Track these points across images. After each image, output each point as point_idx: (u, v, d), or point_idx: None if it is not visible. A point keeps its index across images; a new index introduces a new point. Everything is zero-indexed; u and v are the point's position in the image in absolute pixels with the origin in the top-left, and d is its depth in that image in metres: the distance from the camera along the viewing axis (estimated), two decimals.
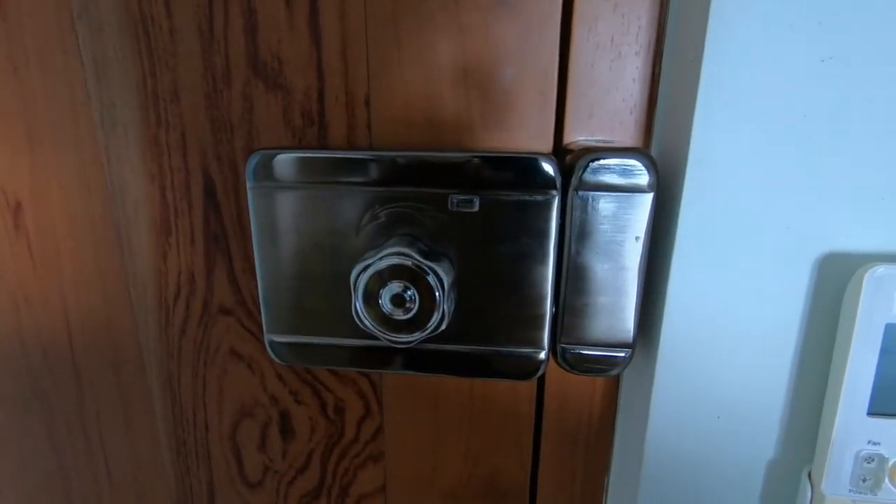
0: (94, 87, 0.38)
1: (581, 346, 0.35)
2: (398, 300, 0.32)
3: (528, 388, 0.42)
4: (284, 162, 0.35)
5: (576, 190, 0.32)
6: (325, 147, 0.37)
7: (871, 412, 0.31)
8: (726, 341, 0.33)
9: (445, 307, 0.32)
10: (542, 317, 0.35)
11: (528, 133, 0.36)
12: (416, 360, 0.38)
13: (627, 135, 0.35)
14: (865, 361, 0.30)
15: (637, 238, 0.32)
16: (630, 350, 0.35)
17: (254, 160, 0.35)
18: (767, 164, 0.30)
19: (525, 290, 0.35)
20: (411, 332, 0.33)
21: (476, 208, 0.34)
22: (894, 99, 0.28)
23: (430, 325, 0.32)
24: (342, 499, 0.48)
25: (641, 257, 0.33)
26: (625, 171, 0.31)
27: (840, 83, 0.28)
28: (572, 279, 0.34)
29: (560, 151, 0.36)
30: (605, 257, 0.33)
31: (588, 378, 0.41)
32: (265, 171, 0.35)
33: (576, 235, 0.33)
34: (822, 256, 0.31)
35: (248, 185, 0.36)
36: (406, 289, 0.32)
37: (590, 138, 0.35)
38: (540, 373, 0.36)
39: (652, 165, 0.31)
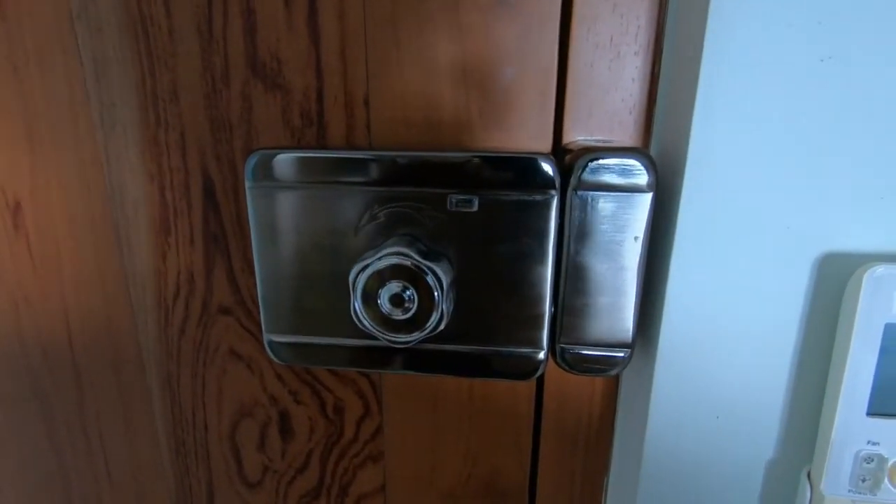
0: (94, 87, 0.38)
1: (580, 346, 0.35)
2: (397, 300, 0.32)
3: (527, 388, 0.42)
4: (283, 162, 0.35)
5: (575, 190, 0.32)
6: (324, 147, 0.37)
7: (871, 412, 0.31)
8: (726, 341, 0.33)
9: (444, 307, 0.32)
10: (541, 317, 0.35)
11: (527, 133, 0.35)
12: (415, 360, 0.38)
13: (626, 134, 0.35)
14: (865, 361, 0.30)
15: (636, 238, 0.32)
16: (629, 350, 0.35)
17: (253, 160, 0.35)
18: (766, 163, 0.30)
19: (524, 289, 0.35)
20: (410, 332, 0.33)
21: (475, 208, 0.34)
22: (894, 99, 0.28)
23: (428, 325, 0.32)
24: (341, 499, 0.48)
25: (640, 257, 0.33)
26: (624, 171, 0.31)
27: (839, 83, 0.28)
28: (571, 279, 0.34)
29: (559, 151, 0.36)
30: (605, 257, 0.33)
31: (587, 378, 0.41)
32: (264, 171, 0.35)
33: (575, 235, 0.33)
34: (822, 256, 0.31)
35: (247, 184, 0.36)
36: (405, 289, 0.32)
37: (589, 138, 0.35)
38: (539, 373, 0.36)
39: (651, 165, 0.31)
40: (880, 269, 0.29)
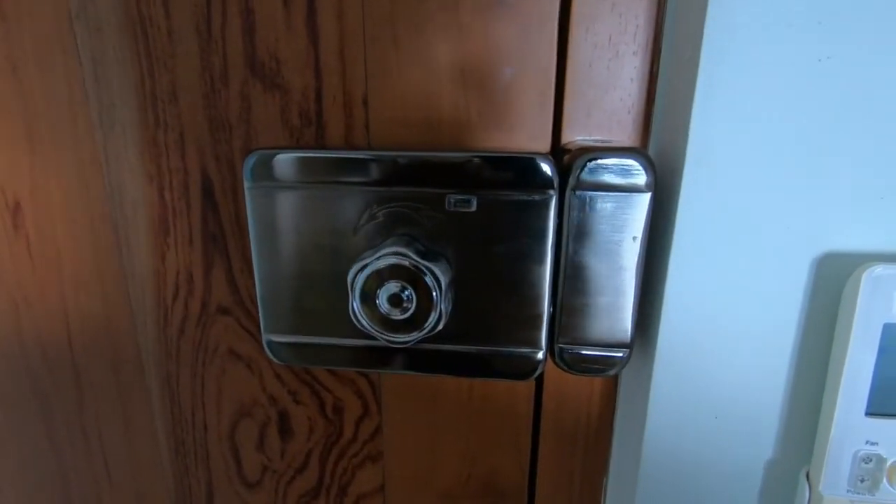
0: (93, 87, 0.38)
1: (579, 346, 0.35)
2: (395, 300, 0.32)
3: (526, 388, 0.42)
4: (282, 162, 0.35)
5: (573, 190, 0.32)
6: (322, 147, 0.37)
7: (869, 412, 0.31)
8: (724, 341, 0.33)
9: (442, 307, 0.32)
10: (540, 317, 0.35)
11: (526, 133, 0.35)
12: (413, 359, 0.38)
13: (625, 134, 0.35)
14: (863, 361, 0.30)
15: (635, 238, 0.32)
16: (628, 350, 0.34)
17: (251, 160, 0.35)
18: (765, 163, 0.30)
19: (523, 289, 0.34)
20: (408, 332, 0.33)
21: (474, 208, 0.34)
22: (892, 98, 0.28)
23: (427, 325, 0.32)
24: (341, 498, 0.48)
25: (639, 257, 0.33)
26: (622, 171, 0.31)
27: (838, 83, 0.28)
28: (570, 279, 0.34)
29: (558, 151, 0.36)
30: (603, 257, 0.33)
31: (586, 378, 0.41)
32: (263, 171, 0.35)
33: (573, 235, 0.33)
34: (821, 256, 0.31)
35: (246, 185, 0.36)
36: (403, 289, 0.32)
37: (588, 138, 0.35)
38: (537, 373, 0.36)
39: (649, 165, 0.31)
40: (879, 269, 0.29)
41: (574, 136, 0.35)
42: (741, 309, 0.32)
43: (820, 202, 0.30)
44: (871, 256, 0.30)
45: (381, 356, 0.38)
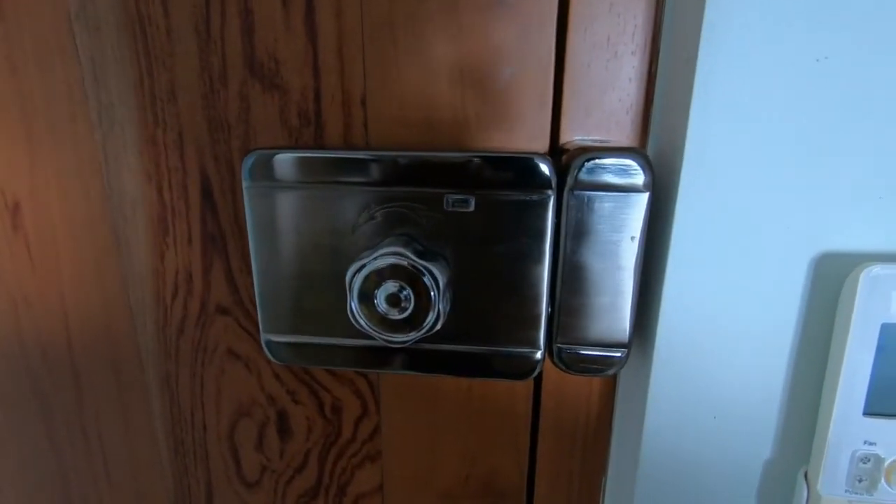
0: (92, 87, 0.38)
1: (577, 345, 0.35)
2: (393, 300, 0.32)
3: (525, 387, 0.42)
4: (281, 162, 0.35)
5: (572, 190, 0.32)
6: (321, 147, 0.37)
7: (867, 412, 0.31)
8: (723, 341, 0.33)
9: (441, 307, 0.32)
10: (538, 316, 0.35)
11: (524, 133, 0.35)
12: (412, 359, 0.38)
13: (624, 134, 0.35)
14: (861, 361, 0.30)
15: (633, 238, 0.32)
16: (626, 350, 0.35)
17: (250, 160, 0.35)
18: (763, 163, 0.30)
19: (521, 289, 0.35)
20: (407, 331, 0.33)
21: (472, 208, 0.34)
22: (891, 98, 0.28)
23: (425, 324, 0.32)
24: (340, 498, 0.48)
25: (637, 257, 0.33)
26: (621, 171, 0.31)
27: (836, 83, 0.28)
28: (568, 279, 0.34)
29: (556, 151, 0.36)
30: (601, 257, 0.33)
31: (585, 378, 0.41)
32: (262, 171, 0.35)
33: (572, 235, 0.33)
34: (819, 256, 0.31)
35: (245, 184, 0.36)
36: (401, 289, 0.32)
37: (586, 138, 0.35)
38: (536, 373, 0.36)
39: (648, 165, 0.31)
40: (877, 269, 0.29)
41: (572, 136, 0.35)
42: (739, 309, 0.32)
43: (818, 202, 0.30)
44: (870, 256, 0.30)
45: (379, 356, 0.38)
